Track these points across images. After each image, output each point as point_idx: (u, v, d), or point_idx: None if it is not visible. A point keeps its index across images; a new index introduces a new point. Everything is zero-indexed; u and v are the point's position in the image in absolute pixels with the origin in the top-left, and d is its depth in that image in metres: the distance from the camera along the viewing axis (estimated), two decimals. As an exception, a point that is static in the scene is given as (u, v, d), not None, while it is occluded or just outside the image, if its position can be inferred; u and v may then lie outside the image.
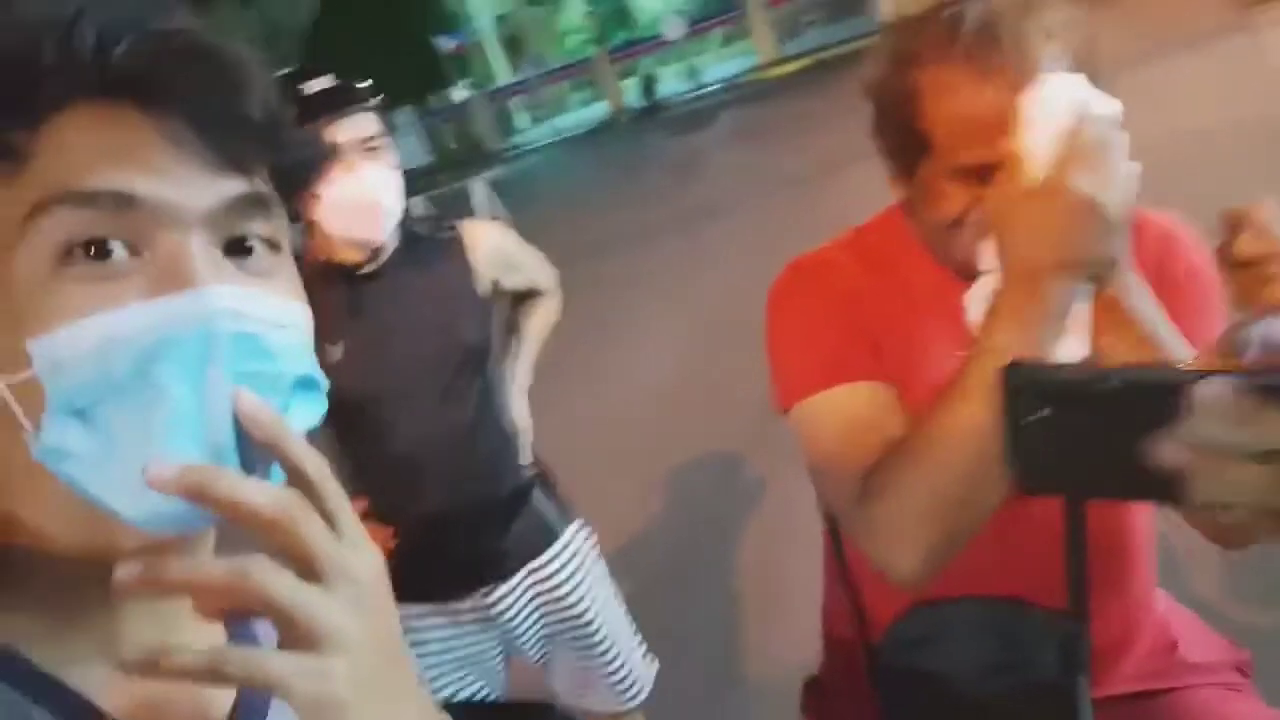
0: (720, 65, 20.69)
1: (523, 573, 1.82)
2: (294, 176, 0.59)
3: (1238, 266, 0.89)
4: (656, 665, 2.00)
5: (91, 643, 0.55)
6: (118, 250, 0.50)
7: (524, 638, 1.85)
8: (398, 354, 1.70)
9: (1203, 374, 0.46)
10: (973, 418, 0.89)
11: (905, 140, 1.02)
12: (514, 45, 24.28)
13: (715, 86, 18.97)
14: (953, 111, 0.96)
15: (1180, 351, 0.95)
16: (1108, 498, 0.55)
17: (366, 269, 1.69)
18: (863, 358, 1.10)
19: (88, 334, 0.48)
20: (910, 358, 1.10)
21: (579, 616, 1.86)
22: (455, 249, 1.81)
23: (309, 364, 0.56)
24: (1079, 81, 0.90)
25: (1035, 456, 0.53)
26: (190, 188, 0.52)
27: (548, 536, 1.86)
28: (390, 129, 1.75)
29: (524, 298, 2.05)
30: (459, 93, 21.22)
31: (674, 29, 19.21)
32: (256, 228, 0.55)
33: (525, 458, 1.89)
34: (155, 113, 0.52)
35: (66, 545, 0.52)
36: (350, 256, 1.68)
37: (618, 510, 3.94)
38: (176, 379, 0.49)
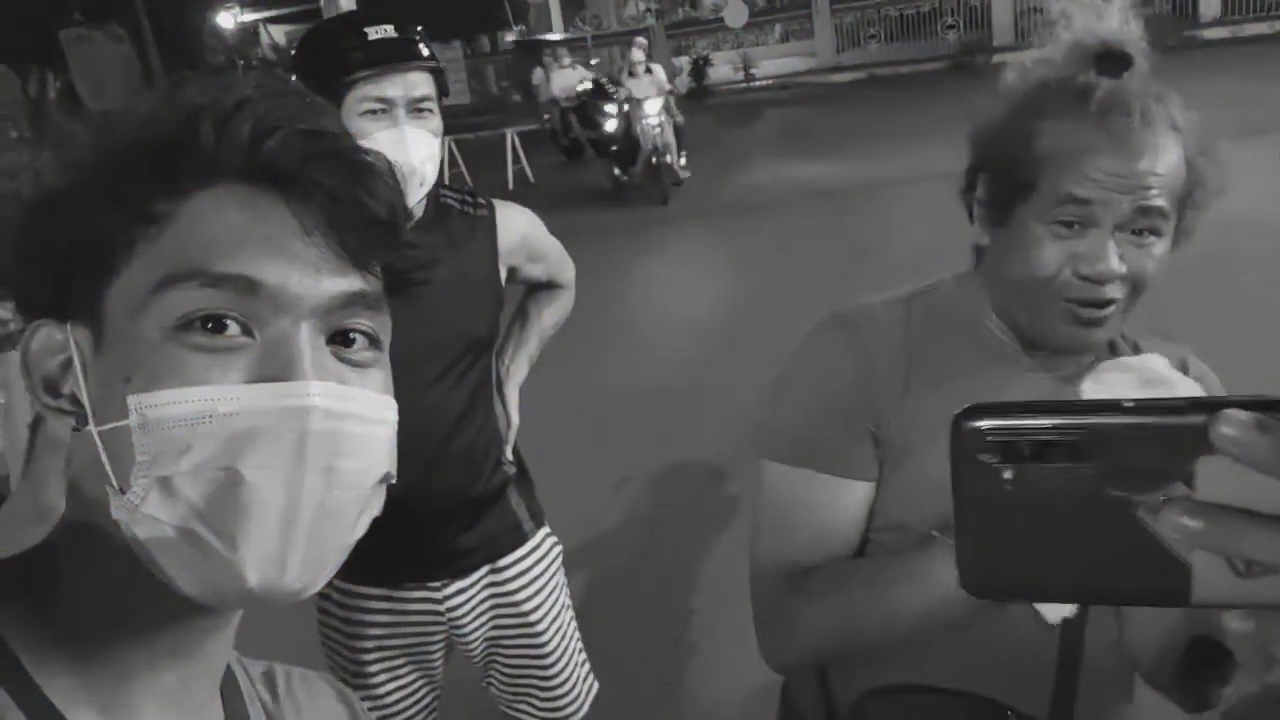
0: (773, 62, 20.45)
1: (483, 570, 1.76)
2: (401, 277, 0.63)
3: None
4: (597, 687, 1.94)
5: (91, 688, 0.57)
6: (232, 327, 0.53)
7: (469, 637, 1.79)
8: (400, 332, 1.61)
9: (1224, 406, 0.33)
10: (917, 600, 0.95)
11: (1009, 183, 1.03)
12: (573, 1, 23.99)
13: (766, 82, 18.75)
14: (1071, 155, 0.98)
15: None
16: (1084, 600, 0.40)
17: None
18: (860, 451, 1.09)
19: (186, 401, 0.51)
20: (935, 425, 1.05)
21: (532, 625, 1.80)
22: (484, 229, 1.74)
23: (390, 461, 0.59)
24: (1161, 362, 0.92)
25: (989, 541, 0.38)
26: (311, 280, 0.55)
27: (515, 538, 1.79)
28: (443, 91, 1.65)
29: (538, 287, 1.97)
30: (511, 38, 20.98)
31: (737, 16, 18.96)
32: (362, 323, 0.59)
33: (508, 453, 1.83)
34: (293, 202, 0.56)
35: (106, 595, 0.56)
36: None
37: (587, 503, 3.88)
38: (262, 468, 0.52)
